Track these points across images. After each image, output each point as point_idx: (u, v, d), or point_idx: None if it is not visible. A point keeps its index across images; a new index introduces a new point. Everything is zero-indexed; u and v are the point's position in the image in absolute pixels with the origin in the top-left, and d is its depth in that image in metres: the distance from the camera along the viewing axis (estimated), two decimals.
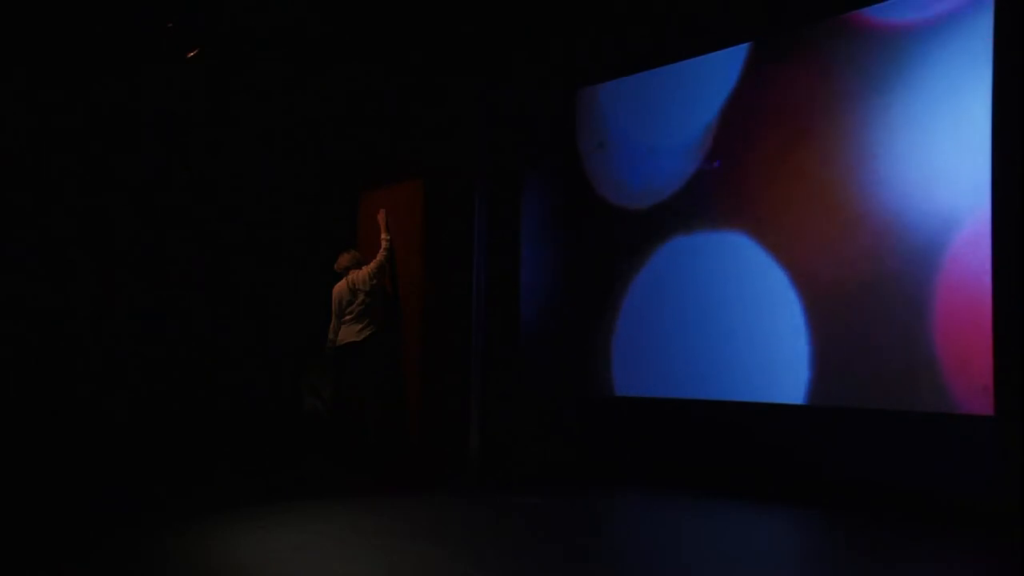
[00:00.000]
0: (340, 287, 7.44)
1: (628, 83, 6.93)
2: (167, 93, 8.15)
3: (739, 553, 4.39)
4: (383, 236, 7.53)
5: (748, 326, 6.00)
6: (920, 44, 5.22)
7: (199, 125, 8.53)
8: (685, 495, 5.85)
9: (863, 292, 5.42)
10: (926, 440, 5.09)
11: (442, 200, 7.64)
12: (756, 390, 5.94)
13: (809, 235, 5.73)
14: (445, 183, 7.65)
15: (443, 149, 7.68)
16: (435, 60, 7.47)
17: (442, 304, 7.54)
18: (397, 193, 7.81)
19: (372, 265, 7.44)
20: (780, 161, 5.90)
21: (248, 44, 7.48)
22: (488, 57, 7.38)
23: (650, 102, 6.77)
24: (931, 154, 5.16)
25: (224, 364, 8.64)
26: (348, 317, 7.36)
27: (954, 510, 4.90)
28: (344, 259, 7.54)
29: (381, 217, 7.60)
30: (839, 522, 4.99)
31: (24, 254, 7.80)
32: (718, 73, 6.30)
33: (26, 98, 7.75)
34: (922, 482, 5.09)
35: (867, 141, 5.46)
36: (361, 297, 7.34)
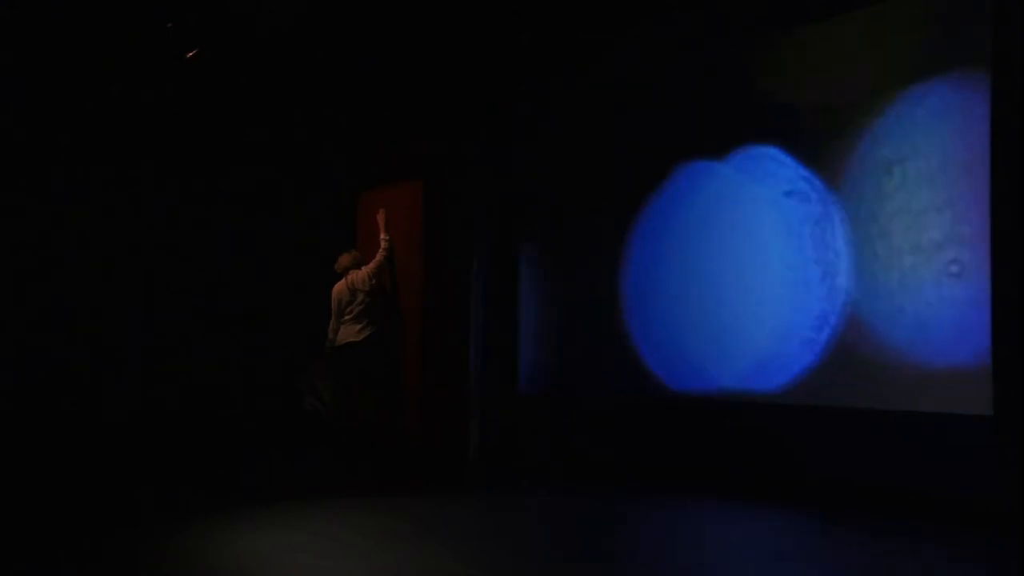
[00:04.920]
0: (339, 287, 7.44)
1: None
2: (167, 94, 8.15)
3: (738, 554, 4.39)
4: (382, 236, 7.54)
5: (749, 326, 6.00)
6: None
7: (199, 126, 8.53)
8: (685, 495, 5.85)
9: (863, 291, 5.43)
10: (926, 440, 5.09)
11: (442, 200, 7.64)
12: (757, 391, 5.94)
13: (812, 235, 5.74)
14: (445, 183, 7.65)
15: (443, 150, 7.68)
16: (435, 60, 7.47)
17: (442, 304, 7.54)
18: (397, 193, 7.81)
19: (371, 265, 7.45)
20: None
21: (248, 44, 7.48)
22: (488, 56, 7.38)
23: None
24: (930, 154, 5.17)
25: (224, 364, 8.64)
26: (348, 317, 7.36)
27: (954, 510, 4.90)
28: (344, 259, 7.54)
29: (380, 217, 7.60)
30: (838, 522, 4.99)
31: (25, 255, 7.81)
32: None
33: (25, 98, 7.76)
34: (922, 482, 5.09)
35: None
36: (360, 297, 7.34)
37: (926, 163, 5.18)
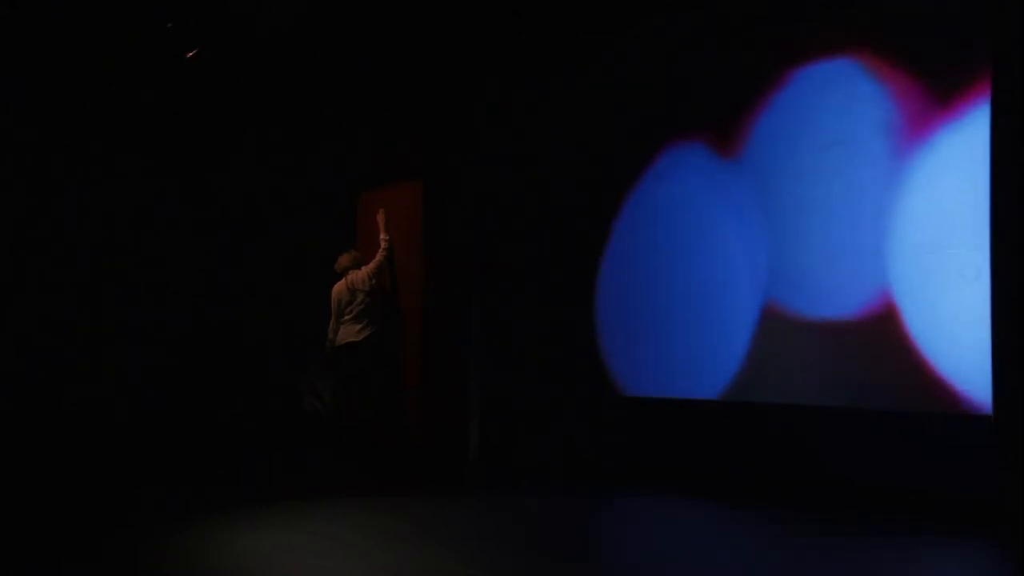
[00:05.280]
0: (339, 287, 7.45)
1: None
2: (168, 94, 8.16)
3: (737, 554, 4.39)
4: (382, 236, 7.54)
5: (748, 326, 6.00)
6: None
7: (200, 126, 8.54)
8: (684, 495, 5.85)
9: (862, 292, 5.43)
10: (926, 440, 5.09)
11: (442, 200, 7.64)
12: (756, 390, 5.94)
13: (811, 238, 5.74)
14: (445, 183, 7.64)
15: (443, 150, 7.68)
16: (435, 59, 7.47)
17: (442, 304, 7.54)
18: (397, 193, 7.81)
19: (371, 265, 7.45)
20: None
21: (248, 44, 7.48)
22: (488, 56, 7.38)
23: None
24: (931, 154, 5.17)
25: (224, 364, 8.64)
26: (347, 317, 7.36)
27: (954, 510, 4.90)
28: (344, 259, 7.54)
29: (380, 217, 7.60)
30: (839, 522, 4.99)
31: (24, 255, 7.81)
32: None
33: (25, 98, 7.76)
34: (921, 482, 5.09)
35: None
36: (360, 297, 7.34)
37: (929, 166, 5.19)
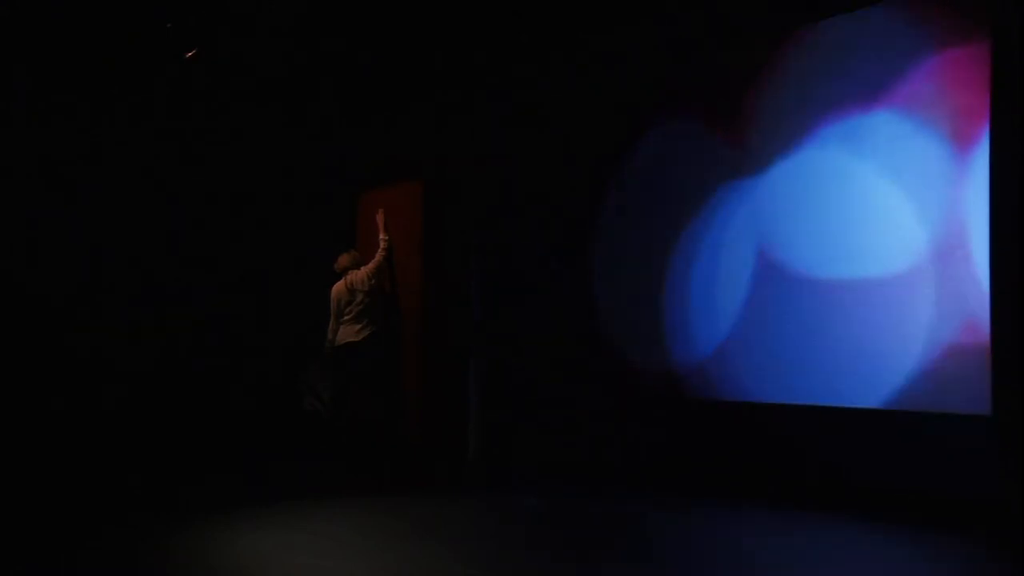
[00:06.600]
0: (339, 287, 7.45)
1: None
2: (167, 93, 8.16)
3: (738, 555, 4.39)
4: (381, 236, 7.54)
5: (749, 326, 6.00)
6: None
7: (200, 125, 8.53)
8: (685, 496, 5.85)
9: (863, 291, 5.43)
10: (926, 440, 5.09)
11: (442, 200, 7.64)
12: (756, 390, 5.94)
13: (810, 234, 5.74)
14: (445, 183, 7.65)
15: (443, 150, 7.68)
16: (435, 59, 7.47)
17: (442, 304, 7.54)
18: (397, 193, 7.81)
19: (370, 265, 7.45)
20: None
21: (248, 43, 7.48)
22: (488, 56, 7.38)
23: None
24: (931, 155, 5.17)
25: (224, 364, 8.64)
26: (347, 317, 7.36)
27: (954, 511, 4.90)
28: (344, 260, 7.54)
29: (380, 217, 7.60)
30: (838, 523, 4.99)
31: (27, 252, 7.81)
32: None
33: (25, 92, 7.76)
34: (922, 482, 5.09)
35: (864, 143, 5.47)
36: (360, 297, 7.35)
37: (927, 165, 5.19)
